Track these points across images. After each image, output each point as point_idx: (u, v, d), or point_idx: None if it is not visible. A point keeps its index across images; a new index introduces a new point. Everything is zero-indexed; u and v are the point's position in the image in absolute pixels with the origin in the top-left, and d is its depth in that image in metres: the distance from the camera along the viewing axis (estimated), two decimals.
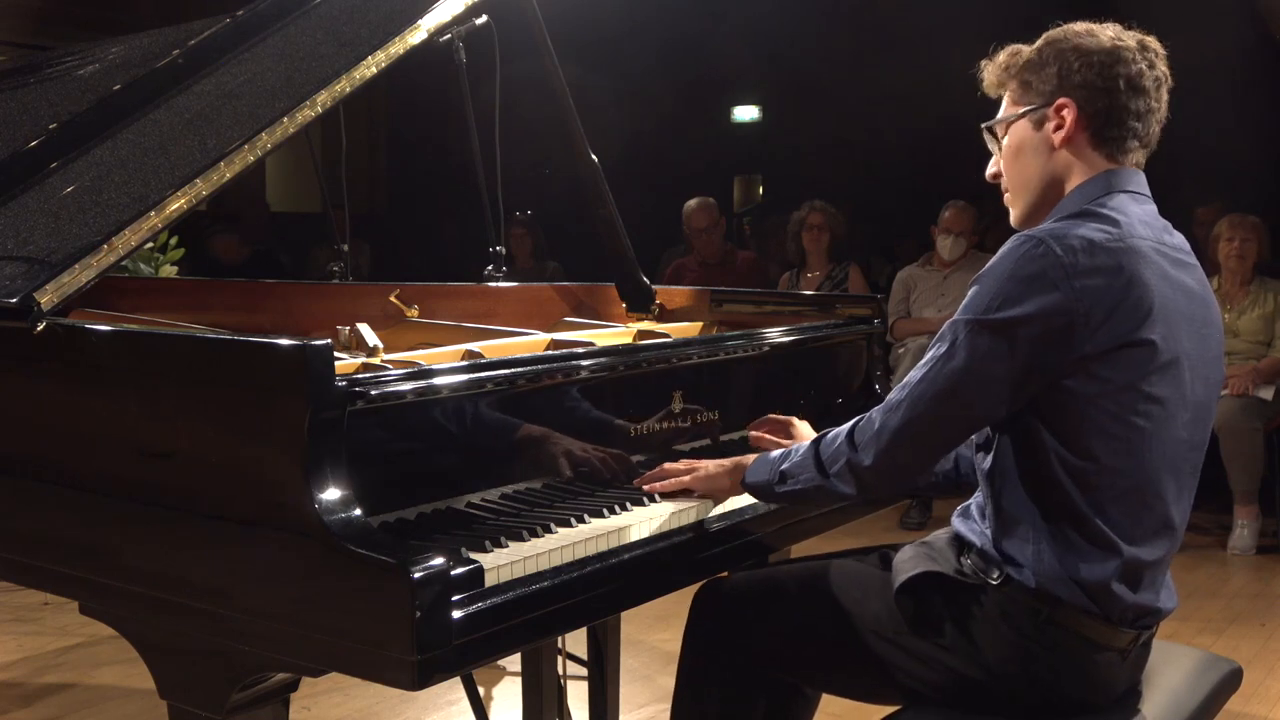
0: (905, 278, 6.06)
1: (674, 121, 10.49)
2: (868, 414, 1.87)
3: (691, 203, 6.55)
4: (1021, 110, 1.90)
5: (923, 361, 1.82)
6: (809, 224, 6.23)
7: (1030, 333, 1.72)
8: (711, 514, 2.03)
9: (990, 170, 2.00)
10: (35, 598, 4.31)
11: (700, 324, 2.81)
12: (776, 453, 2.00)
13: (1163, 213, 1.91)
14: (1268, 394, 5.24)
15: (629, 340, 2.55)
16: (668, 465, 2.09)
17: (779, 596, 2.02)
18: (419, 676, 1.49)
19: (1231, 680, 2.10)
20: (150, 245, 4.20)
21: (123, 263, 1.98)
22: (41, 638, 4.08)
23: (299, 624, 1.58)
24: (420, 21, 2.32)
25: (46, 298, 1.83)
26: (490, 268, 2.94)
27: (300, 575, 1.57)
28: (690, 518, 1.99)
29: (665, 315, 2.85)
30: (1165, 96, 1.89)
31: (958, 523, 1.94)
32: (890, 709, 1.94)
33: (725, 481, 2.04)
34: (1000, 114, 1.96)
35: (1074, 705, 1.84)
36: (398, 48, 2.27)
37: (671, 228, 7.16)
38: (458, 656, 1.53)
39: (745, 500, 2.09)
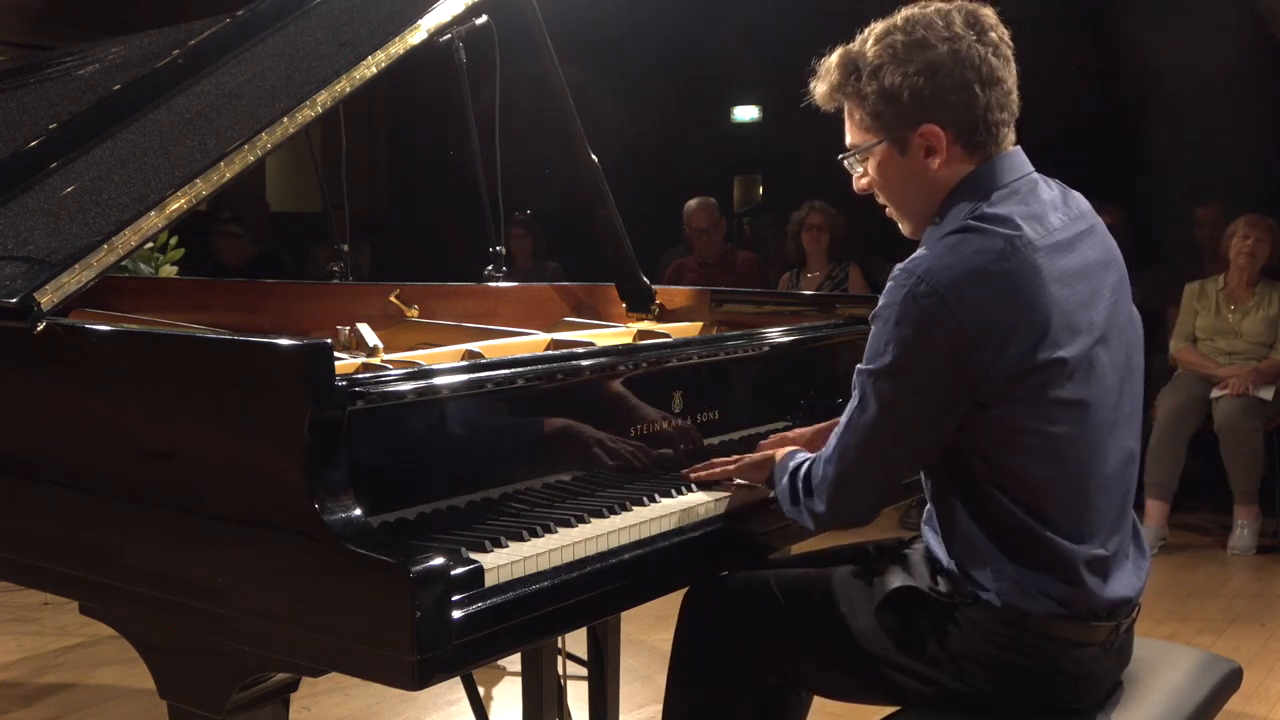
0: None
1: (674, 121, 10.48)
2: (816, 459, 1.91)
3: (692, 203, 6.55)
4: (880, 139, 1.84)
5: (846, 410, 1.84)
6: (809, 224, 6.23)
7: (929, 373, 1.72)
8: (712, 514, 2.03)
9: (859, 184, 1.94)
10: (35, 598, 4.31)
11: (700, 324, 2.81)
12: (785, 464, 2.00)
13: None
14: (1268, 394, 5.24)
15: (629, 340, 2.55)
16: (717, 460, 2.14)
17: (769, 604, 2.01)
18: (419, 676, 1.49)
19: (1231, 680, 2.10)
20: (150, 245, 4.20)
21: (123, 263, 1.98)
22: (41, 638, 4.08)
23: (299, 624, 1.58)
24: (420, 21, 2.32)
25: (46, 298, 1.83)
26: (490, 268, 2.94)
27: (300, 575, 1.57)
28: (691, 518, 1.99)
29: (665, 315, 2.85)
30: (1012, 60, 1.82)
31: (927, 533, 1.94)
32: (886, 709, 1.94)
33: (760, 474, 2.07)
34: (853, 139, 1.89)
35: (1064, 704, 1.84)
36: (398, 48, 2.27)
37: (671, 228, 7.16)
38: (458, 656, 1.53)
39: (745, 500, 2.09)
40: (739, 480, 2.09)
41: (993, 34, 1.80)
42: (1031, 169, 1.86)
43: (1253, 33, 7.32)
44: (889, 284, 1.76)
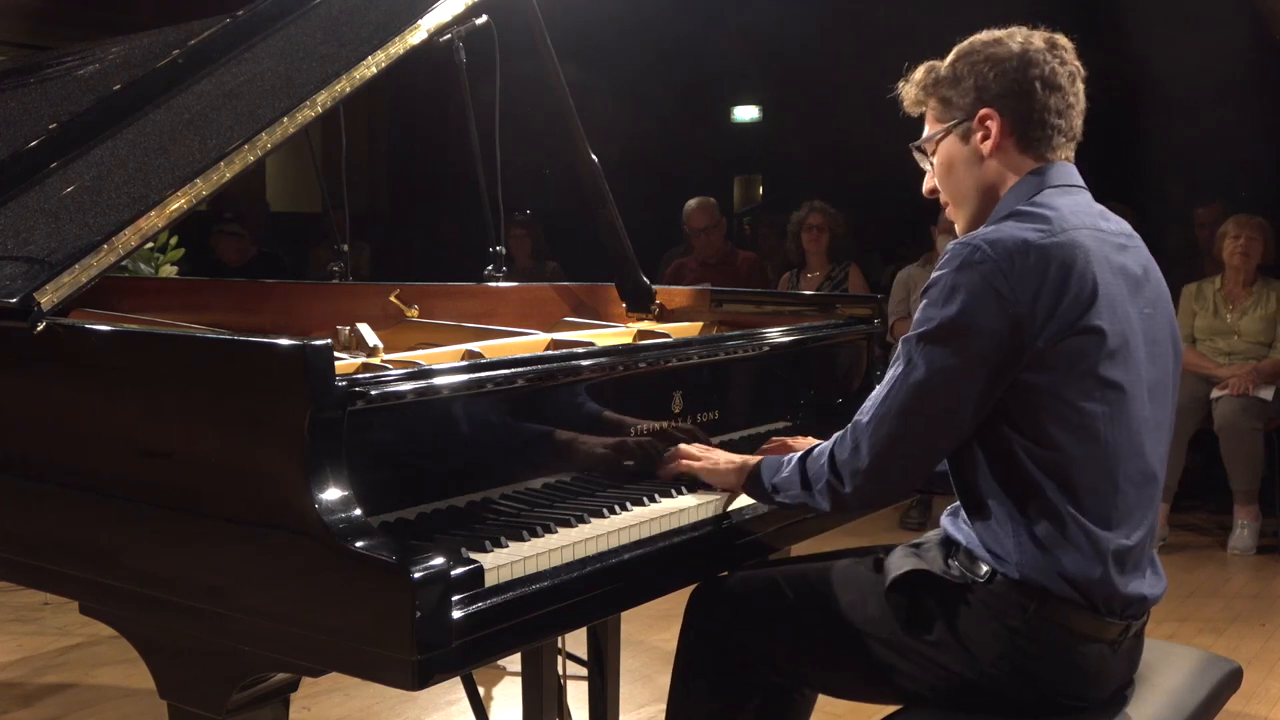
0: (905, 278, 6.06)
1: (674, 121, 10.49)
2: (844, 433, 1.90)
3: (691, 203, 6.55)
4: (946, 126, 1.95)
5: (885, 380, 1.85)
6: (809, 224, 6.23)
7: (980, 337, 1.75)
8: (711, 514, 2.03)
9: (926, 186, 2.04)
10: (35, 598, 4.31)
11: (700, 324, 2.81)
12: (778, 460, 2.02)
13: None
14: (1268, 394, 5.24)
15: (629, 340, 2.55)
16: (683, 446, 2.13)
17: (775, 599, 2.03)
18: (419, 676, 1.49)
19: (1231, 680, 2.10)
20: (150, 245, 4.20)
21: (123, 263, 1.98)
22: (41, 638, 4.08)
23: (299, 624, 1.58)
24: (420, 21, 2.32)
25: (46, 298, 1.83)
26: (490, 268, 2.94)
27: (300, 575, 1.57)
28: (690, 518, 1.99)
29: (665, 315, 2.85)
30: (1081, 89, 1.94)
31: (946, 522, 1.95)
32: (888, 709, 1.94)
33: (732, 479, 2.07)
34: (925, 133, 2.00)
35: (1068, 701, 1.85)
36: (398, 48, 2.26)
37: (671, 228, 7.16)
38: (458, 656, 1.53)
39: (745, 501, 2.09)
40: (705, 479, 2.08)
41: (1065, 54, 1.92)
42: (1083, 184, 1.94)
43: (1253, 33, 7.32)
44: (943, 258, 1.82)
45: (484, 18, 2.65)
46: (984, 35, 1.94)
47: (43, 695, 3.61)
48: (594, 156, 2.75)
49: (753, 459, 2.08)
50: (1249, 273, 5.47)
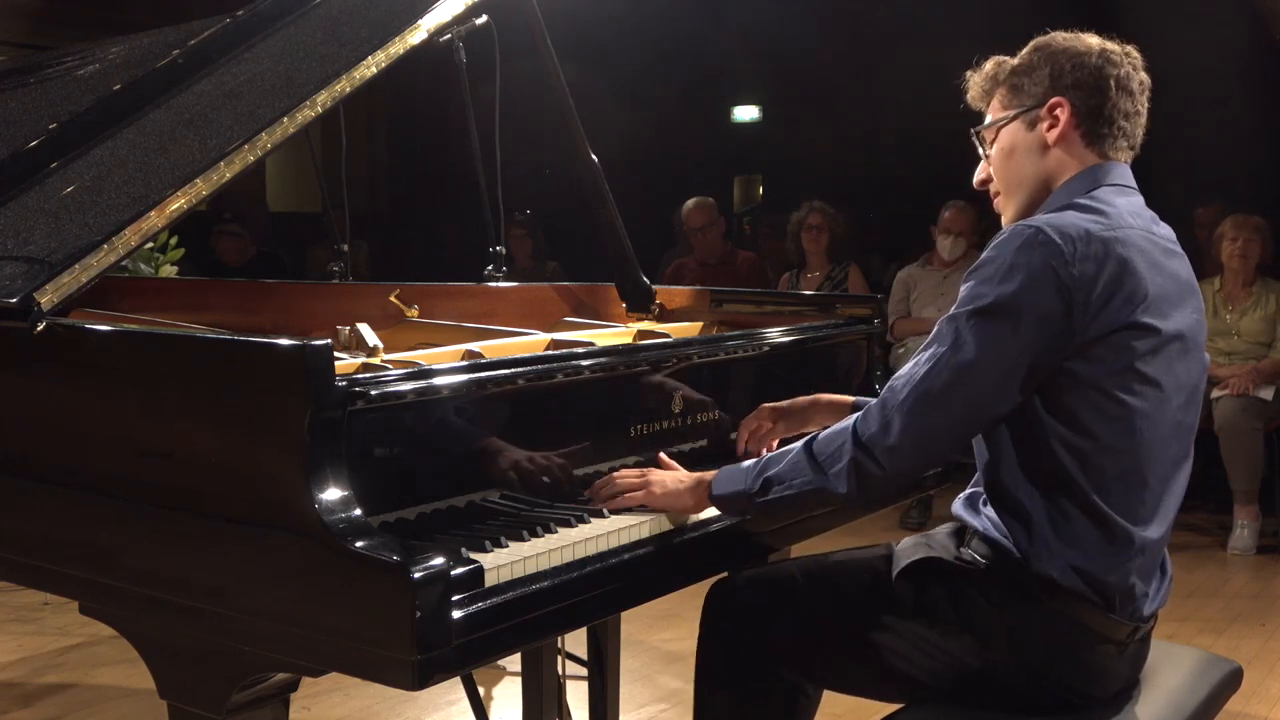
0: (905, 278, 6.07)
1: (674, 121, 10.49)
2: (868, 411, 1.83)
3: (689, 203, 6.56)
4: (1013, 112, 1.94)
5: (923, 359, 1.79)
6: (809, 224, 6.24)
7: (1032, 318, 1.73)
8: (712, 514, 2.02)
9: (978, 177, 2.03)
10: (35, 598, 4.31)
11: (700, 324, 2.81)
12: (748, 463, 1.92)
13: (1163, 213, 1.94)
14: (1268, 394, 5.24)
15: (629, 340, 2.55)
16: (619, 475, 1.98)
17: (788, 590, 2.03)
18: (419, 676, 1.49)
19: (1231, 680, 2.10)
20: (150, 245, 4.20)
21: (123, 263, 1.98)
22: (41, 638, 4.08)
23: (299, 624, 1.58)
24: (420, 21, 2.32)
25: (46, 298, 1.83)
26: (490, 268, 2.94)
27: (300, 575, 1.57)
28: (690, 518, 1.98)
29: (665, 315, 2.85)
30: (1147, 103, 1.95)
31: (961, 508, 1.95)
32: (891, 708, 1.94)
33: (688, 500, 1.94)
34: (989, 119, 1.99)
35: (1070, 696, 1.85)
36: (398, 48, 2.26)
37: (671, 228, 7.17)
38: (458, 656, 1.53)
39: None
40: (654, 506, 1.93)
41: (1138, 64, 1.93)
42: (1137, 188, 1.94)
43: (1253, 33, 7.32)
44: (996, 240, 1.80)
45: (484, 18, 2.65)
46: (1062, 33, 1.95)
47: (43, 695, 3.61)
48: (594, 156, 2.75)
49: (706, 474, 1.95)
50: (1248, 273, 5.47)
